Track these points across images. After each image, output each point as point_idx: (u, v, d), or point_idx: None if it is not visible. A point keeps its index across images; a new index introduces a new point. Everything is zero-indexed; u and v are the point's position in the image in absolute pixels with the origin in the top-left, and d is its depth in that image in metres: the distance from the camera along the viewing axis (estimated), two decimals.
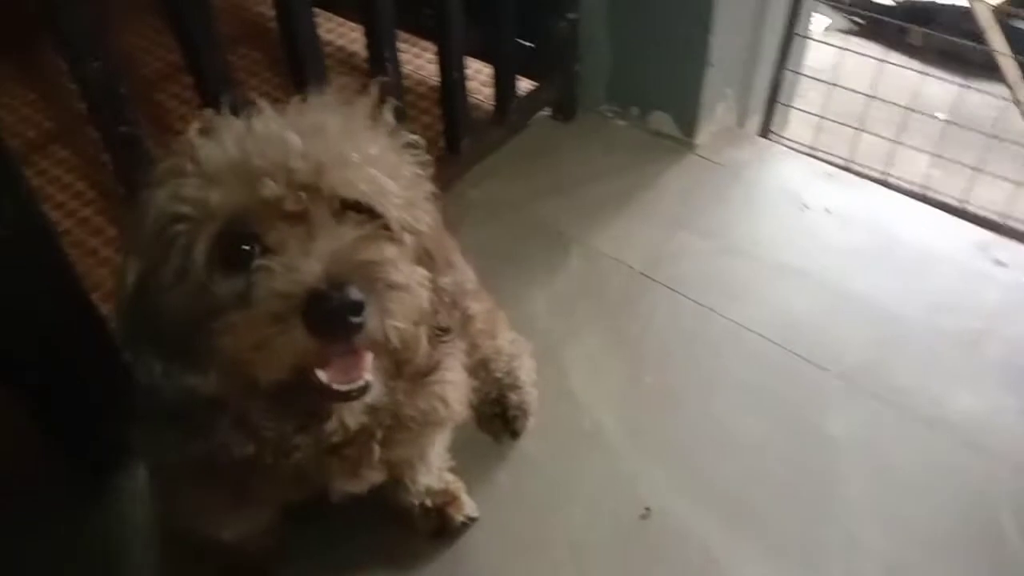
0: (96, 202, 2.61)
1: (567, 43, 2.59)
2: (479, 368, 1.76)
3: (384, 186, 1.06)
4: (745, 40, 2.58)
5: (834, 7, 4.20)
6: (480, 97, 2.87)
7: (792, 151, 2.71)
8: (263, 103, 1.09)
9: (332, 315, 0.93)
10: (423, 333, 1.13)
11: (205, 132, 1.06)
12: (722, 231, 2.40)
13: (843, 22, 4.49)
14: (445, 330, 1.25)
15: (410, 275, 1.04)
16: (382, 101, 1.15)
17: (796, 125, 2.96)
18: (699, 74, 2.48)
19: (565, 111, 2.74)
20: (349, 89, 1.15)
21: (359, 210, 1.05)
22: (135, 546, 1.73)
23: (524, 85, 2.71)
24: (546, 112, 2.79)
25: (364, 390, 1.04)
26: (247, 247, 1.00)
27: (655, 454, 1.87)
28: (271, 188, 0.99)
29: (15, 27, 3.16)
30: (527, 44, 2.61)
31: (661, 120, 2.65)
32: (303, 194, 1.00)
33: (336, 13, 3.26)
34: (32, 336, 1.55)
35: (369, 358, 1.04)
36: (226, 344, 0.99)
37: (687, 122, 2.61)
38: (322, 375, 1.02)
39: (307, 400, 1.09)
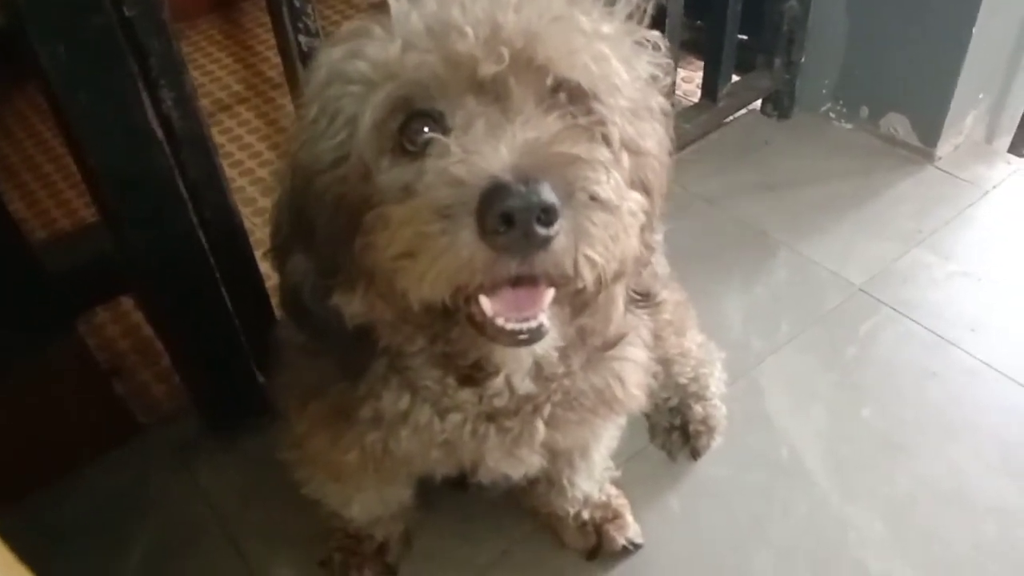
0: (271, 163, 2.57)
1: (794, 28, 2.26)
2: (660, 367, 1.47)
3: (615, 72, 0.82)
4: (1010, 38, 2.17)
5: None
6: (679, 93, 2.62)
7: None
8: None
9: (515, 216, 0.68)
10: (619, 295, 0.89)
11: None
12: (965, 254, 1.99)
13: None
14: (645, 295, 0.99)
15: (624, 194, 0.78)
16: None
17: None
18: (953, 72, 2.09)
19: (780, 106, 2.41)
20: None
21: (575, 98, 0.81)
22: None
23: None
24: (755, 107, 2.47)
25: (537, 334, 0.79)
26: (428, 128, 0.78)
27: (871, 503, 1.51)
28: (466, 43, 0.76)
29: None
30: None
31: (896, 124, 2.27)
32: (506, 56, 0.76)
33: None
34: (186, 271, 1.43)
35: (549, 295, 0.79)
36: (375, 244, 0.77)
37: (929, 129, 2.22)
38: (487, 305, 0.78)
39: (464, 340, 0.85)
